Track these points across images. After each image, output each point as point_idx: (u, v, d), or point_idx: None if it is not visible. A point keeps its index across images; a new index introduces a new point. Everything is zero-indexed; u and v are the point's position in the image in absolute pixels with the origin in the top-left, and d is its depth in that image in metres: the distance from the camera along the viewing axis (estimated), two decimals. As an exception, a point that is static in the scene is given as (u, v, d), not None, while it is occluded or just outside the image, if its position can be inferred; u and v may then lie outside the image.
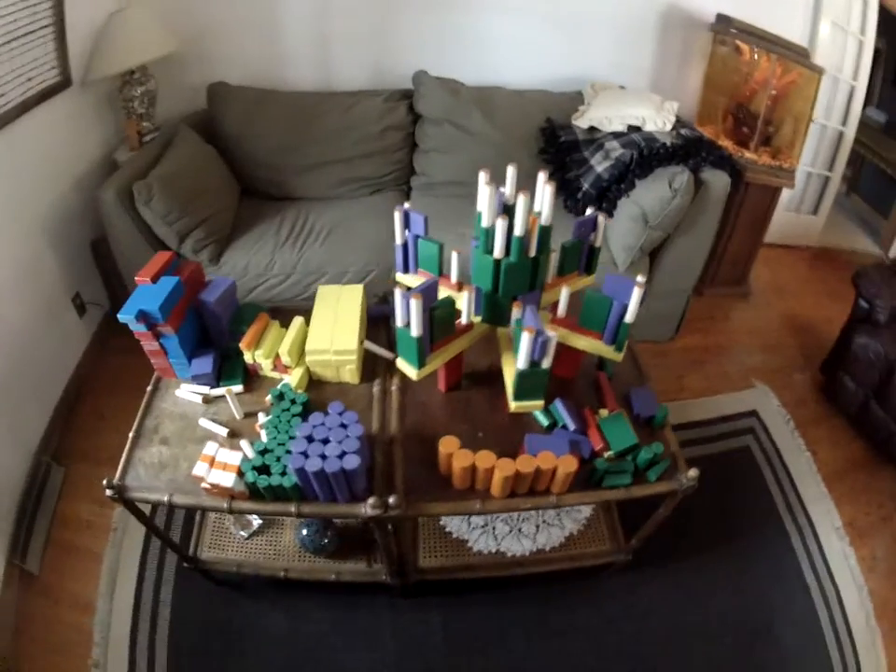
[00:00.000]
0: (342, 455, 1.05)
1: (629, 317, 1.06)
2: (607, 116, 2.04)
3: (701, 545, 1.71)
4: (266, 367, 1.31)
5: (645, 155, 1.85)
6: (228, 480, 1.09)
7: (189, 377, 1.29)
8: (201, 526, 1.53)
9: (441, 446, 1.11)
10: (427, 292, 1.03)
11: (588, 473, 1.14)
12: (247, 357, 1.30)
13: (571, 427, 1.18)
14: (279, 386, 1.23)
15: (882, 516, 1.90)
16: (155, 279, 1.21)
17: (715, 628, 1.59)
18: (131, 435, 1.20)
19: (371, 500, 1.08)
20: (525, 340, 0.98)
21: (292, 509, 1.10)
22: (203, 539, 1.50)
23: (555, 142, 2.10)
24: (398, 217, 1.21)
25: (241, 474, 1.08)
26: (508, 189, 1.05)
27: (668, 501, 1.22)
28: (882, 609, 1.65)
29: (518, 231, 1.03)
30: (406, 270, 1.30)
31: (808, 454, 1.97)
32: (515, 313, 1.11)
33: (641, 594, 1.61)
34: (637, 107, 2.02)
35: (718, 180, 1.86)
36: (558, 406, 1.21)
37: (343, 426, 1.12)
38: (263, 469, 1.11)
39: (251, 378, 1.33)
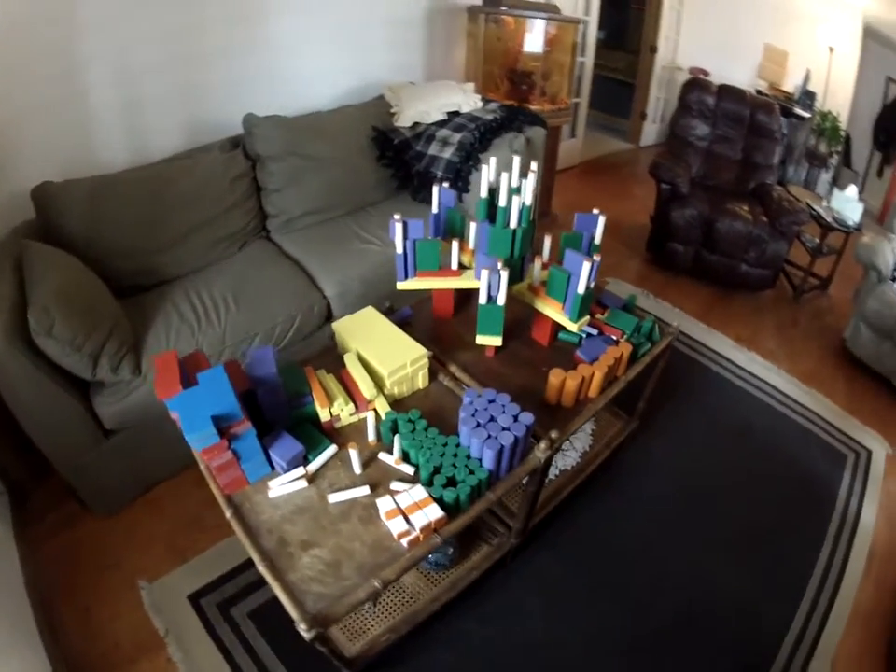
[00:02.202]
0: (508, 427, 1.27)
1: (580, 288, 1.43)
2: (424, 110, 2.48)
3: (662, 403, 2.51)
4: (346, 413, 1.34)
5: (483, 132, 2.35)
6: (434, 512, 1.18)
7: (265, 474, 1.27)
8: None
9: (553, 377, 1.47)
10: (413, 225, 1.43)
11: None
12: (324, 415, 1.31)
13: (594, 332, 1.67)
14: (384, 419, 1.34)
15: (755, 327, 2.87)
16: (187, 383, 1.16)
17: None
18: (262, 569, 1.11)
19: (541, 445, 1.30)
20: (484, 276, 1.34)
21: (491, 496, 1.27)
22: (337, 639, 1.45)
23: (390, 145, 2.45)
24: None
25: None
26: (491, 175, 1.49)
27: (665, 352, 1.81)
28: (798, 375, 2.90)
29: (502, 203, 1.45)
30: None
31: (678, 309, 2.84)
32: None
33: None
34: (446, 96, 2.51)
35: (537, 134, 2.54)
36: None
37: (492, 401, 1.33)
38: (449, 482, 1.24)
39: (330, 434, 1.38)
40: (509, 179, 1.44)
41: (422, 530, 1.15)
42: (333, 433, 1.37)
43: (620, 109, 5.27)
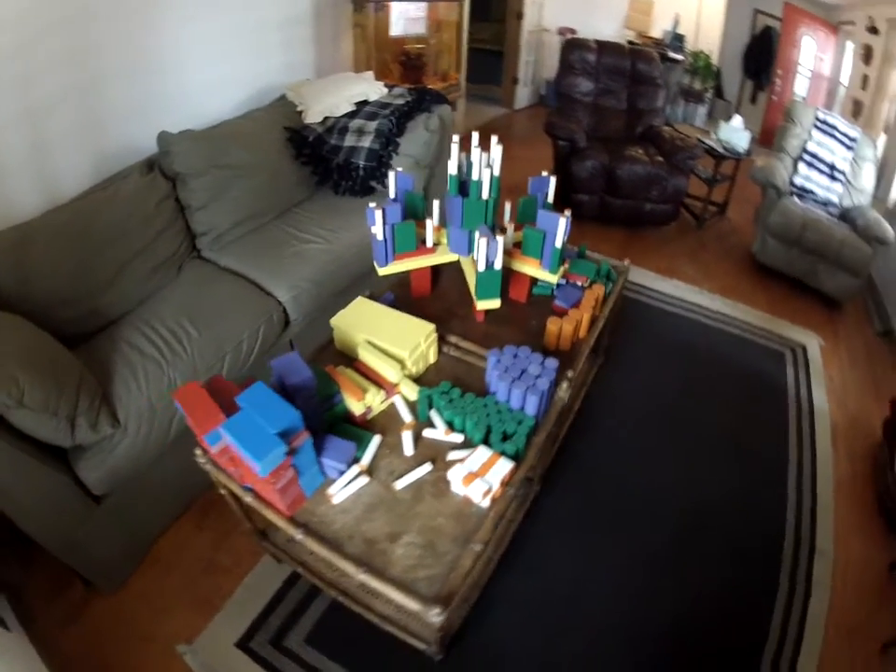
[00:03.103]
0: (540, 374, 1.41)
1: (557, 242, 1.60)
2: (333, 103, 2.53)
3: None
4: (377, 402, 1.36)
5: (398, 117, 2.44)
6: (505, 466, 1.27)
7: (319, 484, 1.27)
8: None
9: (551, 324, 1.65)
10: (391, 209, 1.51)
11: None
12: (359, 409, 1.33)
13: (562, 282, 1.84)
14: (419, 396, 1.39)
15: (670, 257, 3.12)
16: (227, 410, 1.13)
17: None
18: (362, 577, 1.11)
19: (563, 385, 1.48)
20: (483, 245, 1.47)
21: (539, 440, 1.39)
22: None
23: (305, 143, 2.49)
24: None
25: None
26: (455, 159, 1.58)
27: (621, 289, 2.03)
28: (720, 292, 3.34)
29: (474, 176, 1.56)
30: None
31: (597, 254, 3.04)
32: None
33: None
34: (351, 87, 2.58)
35: (445, 112, 2.67)
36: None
37: (516, 355, 1.46)
38: (507, 437, 1.33)
39: (365, 427, 1.42)
40: (480, 155, 1.55)
41: (501, 485, 1.23)
42: (367, 425, 1.39)
43: (491, 77, 5.55)
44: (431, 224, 1.62)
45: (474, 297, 1.61)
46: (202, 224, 2.17)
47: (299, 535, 1.17)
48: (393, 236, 1.58)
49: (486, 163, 1.56)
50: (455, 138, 1.59)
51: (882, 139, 4.08)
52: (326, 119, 2.51)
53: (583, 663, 1.71)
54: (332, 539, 1.17)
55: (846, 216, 3.67)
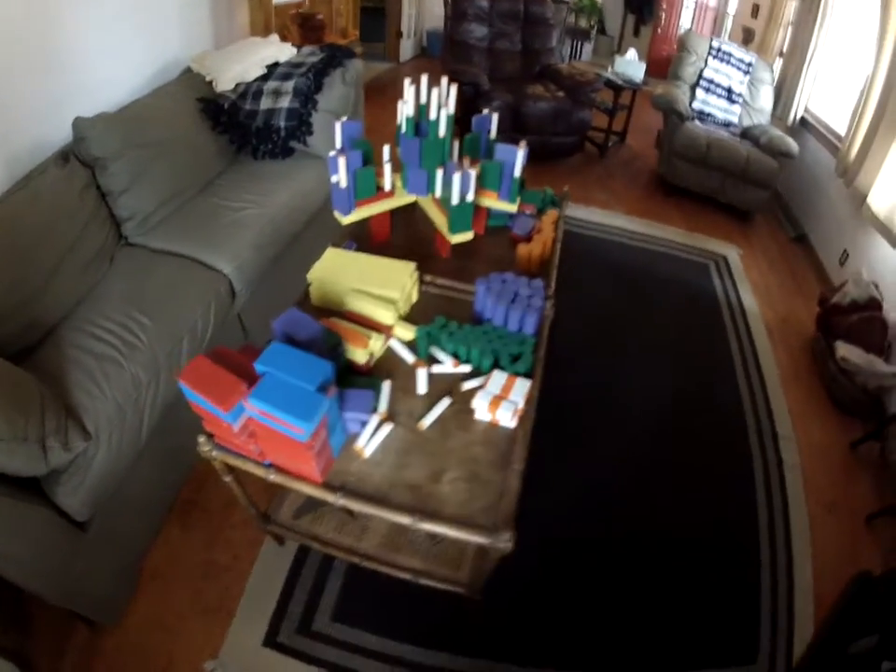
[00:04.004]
0: (531, 294, 1.45)
1: (517, 173, 1.63)
2: (243, 69, 2.43)
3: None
4: (378, 347, 1.35)
5: (315, 74, 2.40)
6: (524, 385, 1.29)
7: (343, 442, 1.21)
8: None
9: (521, 249, 1.70)
10: (353, 155, 1.48)
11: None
12: (363, 357, 1.30)
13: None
14: (418, 335, 1.38)
15: (582, 186, 3.28)
16: (246, 377, 1.02)
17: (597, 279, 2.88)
18: (422, 525, 1.08)
19: (548, 304, 1.51)
20: (456, 178, 1.47)
21: (541, 355, 1.43)
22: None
23: (221, 111, 2.38)
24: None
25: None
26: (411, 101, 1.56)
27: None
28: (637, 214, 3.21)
29: (432, 116, 1.54)
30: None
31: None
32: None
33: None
34: (259, 52, 2.49)
35: (357, 65, 2.64)
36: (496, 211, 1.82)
37: (504, 281, 1.48)
38: (515, 358, 1.35)
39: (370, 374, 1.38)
40: (438, 94, 1.53)
41: (526, 403, 1.24)
42: (371, 372, 1.35)
43: (373, 34, 5.53)
44: (389, 167, 1.59)
45: (445, 233, 1.58)
46: (126, 209, 2.02)
47: (340, 499, 1.10)
48: (355, 183, 1.54)
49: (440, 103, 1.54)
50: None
51: (778, 63, 4.41)
52: (238, 85, 2.42)
53: (601, 571, 1.83)
54: (375, 494, 1.11)
55: (746, 134, 3.96)
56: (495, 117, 1.74)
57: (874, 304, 2.65)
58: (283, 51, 2.54)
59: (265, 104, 2.36)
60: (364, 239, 1.78)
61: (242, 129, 2.38)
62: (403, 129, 1.57)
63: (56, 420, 1.32)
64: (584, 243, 3.39)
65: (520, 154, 1.56)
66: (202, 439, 1.16)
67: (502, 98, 3.53)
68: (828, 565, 2.03)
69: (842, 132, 3.60)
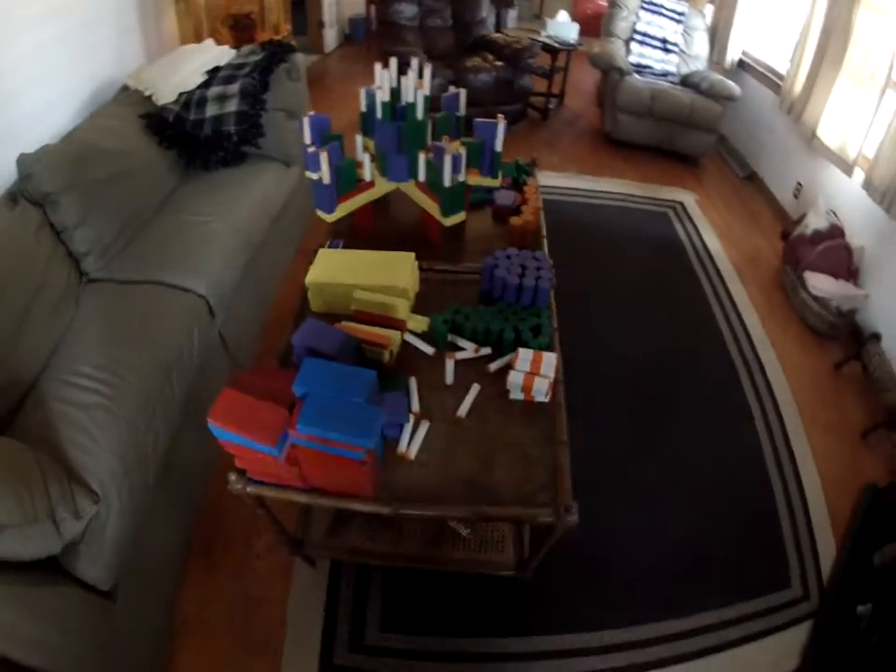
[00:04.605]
0: (539, 266, 1.44)
1: (498, 147, 1.61)
2: (183, 78, 2.33)
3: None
4: (397, 344, 1.32)
5: (261, 72, 2.33)
6: (551, 357, 1.29)
7: (382, 450, 1.17)
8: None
9: (513, 221, 1.72)
10: (334, 149, 1.44)
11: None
12: (385, 357, 1.27)
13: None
14: (436, 325, 1.37)
15: (530, 152, 3.28)
16: (282, 402, 0.98)
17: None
18: (489, 511, 1.08)
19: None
20: (448, 159, 1.45)
21: (556, 325, 1.45)
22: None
23: (167, 125, 2.26)
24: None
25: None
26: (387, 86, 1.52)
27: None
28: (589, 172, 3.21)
29: (408, 99, 1.51)
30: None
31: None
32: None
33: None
34: (197, 58, 2.40)
35: (299, 59, 2.56)
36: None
37: (508, 257, 1.48)
38: (535, 330, 1.35)
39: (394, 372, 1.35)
40: (414, 76, 1.49)
41: (556, 374, 1.25)
42: (392, 371, 1.31)
43: (294, 27, 5.36)
44: (368, 157, 1.54)
45: (438, 216, 1.56)
46: (84, 243, 1.90)
47: (397, 509, 1.05)
48: (337, 178, 1.49)
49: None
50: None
51: (709, 9, 4.46)
52: (180, 95, 2.31)
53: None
54: (430, 495, 1.08)
55: (686, 82, 4.02)
56: (462, 94, 1.70)
57: (836, 232, 2.77)
58: (221, 55, 2.45)
59: (211, 110, 2.25)
60: (348, 235, 1.72)
61: (190, 140, 2.28)
62: (379, 114, 1.52)
63: (60, 488, 1.22)
64: (545, 206, 3.42)
65: (500, 128, 1.54)
66: (233, 477, 1.10)
67: (442, 74, 3.48)
68: (835, 482, 2.13)
69: (783, 70, 3.69)
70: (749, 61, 4.20)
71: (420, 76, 1.49)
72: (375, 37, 4.67)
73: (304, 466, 1.01)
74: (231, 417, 0.92)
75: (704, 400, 2.38)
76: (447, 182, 1.44)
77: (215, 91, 2.29)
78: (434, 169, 1.49)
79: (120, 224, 2.02)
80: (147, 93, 2.32)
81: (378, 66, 1.50)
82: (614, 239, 3.26)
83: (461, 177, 1.46)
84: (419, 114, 1.52)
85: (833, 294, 2.61)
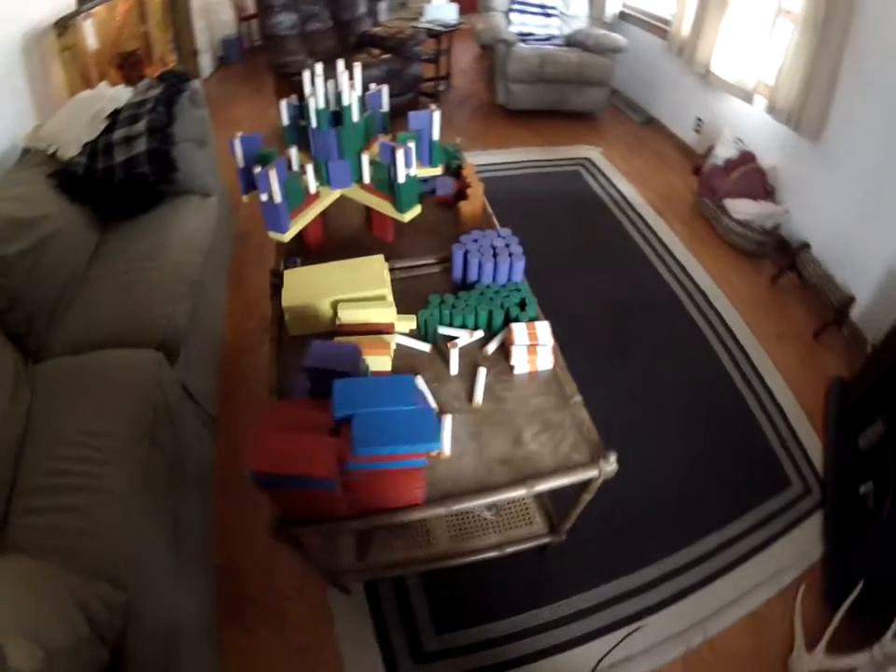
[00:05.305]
0: (508, 244, 1.49)
1: (435, 135, 1.61)
2: (84, 127, 2.20)
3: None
4: (394, 346, 1.35)
5: (166, 106, 2.26)
6: (545, 325, 1.34)
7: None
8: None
9: (463, 207, 1.77)
10: (281, 165, 1.41)
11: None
12: (387, 364, 1.31)
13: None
14: (423, 321, 1.39)
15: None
16: (321, 430, 0.96)
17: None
18: (538, 487, 1.11)
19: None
20: (400, 155, 1.46)
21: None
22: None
23: (77, 180, 2.15)
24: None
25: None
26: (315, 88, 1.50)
27: None
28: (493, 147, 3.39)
29: (346, 102, 1.49)
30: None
31: None
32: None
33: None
34: (94, 104, 2.28)
35: (197, 84, 2.53)
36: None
37: (476, 240, 1.51)
38: (521, 305, 1.41)
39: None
40: (347, 78, 1.48)
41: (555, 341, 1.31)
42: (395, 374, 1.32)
43: None
44: (311, 168, 1.51)
45: (393, 214, 1.55)
46: (21, 325, 1.79)
47: (451, 507, 1.06)
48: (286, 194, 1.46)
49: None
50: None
51: None
52: (85, 146, 2.18)
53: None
54: (477, 484, 1.10)
55: (571, 42, 4.14)
56: (385, 90, 1.69)
57: (747, 157, 2.97)
58: (119, 96, 2.34)
59: (120, 155, 2.15)
60: (300, 252, 1.69)
61: (104, 191, 2.17)
62: (314, 123, 1.49)
63: (89, 594, 1.12)
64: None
65: (435, 117, 1.55)
66: (275, 527, 1.04)
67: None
68: (802, 383, 2.32)
69: (667, 16, 3.88)
70: (630, 11, 4.39)
71: (351, 77, 1.48)
72: (262, 53, 4.53)
73: (357, 490, 0.99)
74: (276, 460, 0.88)
75: (660, 336, 2.53)
76: (401, 178, 1.44)
77: (120, 134, 2.18)
78: (382, 168, 1.49)
79: (54, 294, 1.91)
80: (50, 151, 2.19)
81: (306, 73, 1.47)
82: (536, 205, 3.35)
83: (413, 171, 1.47)
84: (355, 116, 1.51)
85: (756, 215, 2.81)
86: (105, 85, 2.45)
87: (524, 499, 1.66)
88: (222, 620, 1.63)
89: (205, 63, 5.15)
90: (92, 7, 2.87)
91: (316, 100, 1.46)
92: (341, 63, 1.49)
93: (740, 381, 2.33)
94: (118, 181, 2.15)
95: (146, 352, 1.78)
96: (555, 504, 1.63)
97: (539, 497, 1.66)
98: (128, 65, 3.07)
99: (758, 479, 1.99)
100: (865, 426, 1.97)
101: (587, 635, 1.60)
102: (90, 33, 2.84)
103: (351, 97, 1.46)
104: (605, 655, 1.54)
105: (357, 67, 1.52)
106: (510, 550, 1.53)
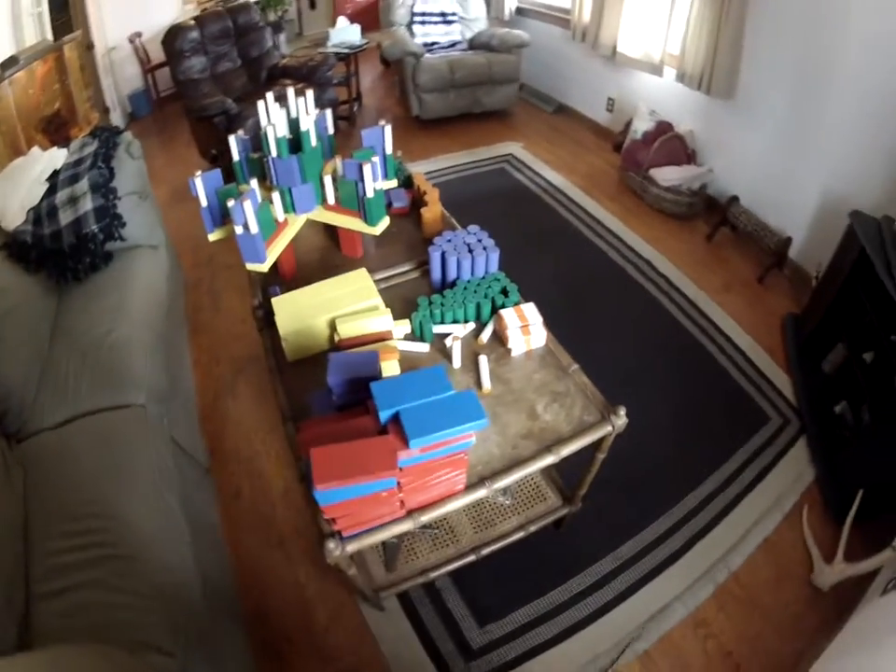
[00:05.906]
0: (480, 239, 1.59)
1: (388, 149, 1.69)
2: (24, 194, 2.16)
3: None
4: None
5: (104, 161, 2.25)
6: (531, 306, 1.45)
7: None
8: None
9: (426, 213, 1.85)
10: (252, 197, 1.44)
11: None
12: (396, 367, 1.35)
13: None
14: (417, 321, 1.44)
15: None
16: (368, 433, 1.00)
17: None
18: (562, 453, 1.20)
19: None
20: (367, 171, 1.51)
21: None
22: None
23: (28, 249, 2.10)
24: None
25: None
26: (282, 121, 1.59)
27: None
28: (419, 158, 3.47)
29: (304, 127, 1.55)
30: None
31: None
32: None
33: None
34: (30, 169, 2.24)
35: (130, 135, 2.50)
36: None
37: (449, 240, 1.58)
38: (504, 292, 1.51)
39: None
40: (304, 105, 1.56)
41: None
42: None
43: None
44: (278, 196, 1.54)
45: (364, 228, 1.60)
46: None
47: (492, 486, 1.13)
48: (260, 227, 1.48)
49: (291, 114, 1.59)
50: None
51: None
52: (28, 212, 2.13)
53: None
54: (509, 461, 1.18)
55: (474, 45, 4.31)
56: (328, 113, 1.76)
57: (665, 127, 3.17)
58: (54, 158, 2.29)
59: (66, 217, 2.11)
60: (276, 279, 1.71)
61: (55, 255, 2.12)
62: (274, 152, 1.52)
63: (139, 667, 1.11)
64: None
65: (387, 131, 1.63)
66: (331, 545, 1.06)
67: (252, 115, 3.40)
68: (757, 326, 2.51)
69: (565, 5, 4.08)
70: (527, 6, 4.60)
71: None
72: (171, 102, 4.45)
73: (407, 487, 1.03)
74: (339, 472, 0.90)
75: (615, 308, 2.67)
76: (370, 192, 1.49)
77: (62, 195, 2.14)
78: (347, 185, 1.53)
79: (22, 370, 1.84)
80: (-2, 217, 2.11)
81: (261, 104, 1.53)
82: (471, 205, 3.40)
83: (379, 184, 1.53)
84: (313, 140, 1.56)
85: (682, 179, 3.01)
86: (37, 149, 2.40)
87: (533, 479, 1.74)
88: (261, 664, 1.60)
89: (116, 120, 5.03)
90: (13, 74, 2.80)
91: (275, 129, 1.50)
92: (291, 91, 1.56)
93: (700, 334, 2.49)
94: (67, 244, 2.11)
95: (129, 410, 1.75)
96: (564, 479, 1.72)
97: (548, 472, 1.74)
98: (52, 129, 3.00)
99: (738, 420, 2.13)
100: (826, 352, 2.16)
101: (621, 594, 1.68)
102: (11, 100, 2.77)
103: (308, 122, 1.51)
104: (612, 664, 1.57)
105: (310, 92, 1.56)
106: (532, 528, 1.60)
